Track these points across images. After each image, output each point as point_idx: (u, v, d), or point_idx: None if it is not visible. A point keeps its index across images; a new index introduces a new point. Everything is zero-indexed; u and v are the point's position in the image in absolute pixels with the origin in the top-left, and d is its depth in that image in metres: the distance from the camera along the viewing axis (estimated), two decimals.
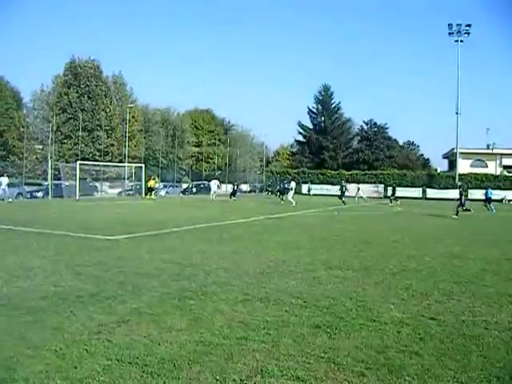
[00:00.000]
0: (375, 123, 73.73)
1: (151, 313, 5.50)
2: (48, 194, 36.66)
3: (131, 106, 53.99)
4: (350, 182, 47.67)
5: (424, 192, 53.93)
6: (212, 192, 38.74)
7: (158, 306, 5.78)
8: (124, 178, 46.88)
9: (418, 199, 50.33)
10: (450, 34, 52.20)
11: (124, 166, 46.54)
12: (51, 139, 46.07)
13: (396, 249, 11.55)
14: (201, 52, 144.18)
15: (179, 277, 7.53)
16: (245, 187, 65.80)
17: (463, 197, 24.79)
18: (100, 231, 13.44)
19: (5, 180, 30.65)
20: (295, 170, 63.17)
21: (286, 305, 6.00)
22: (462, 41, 51.77)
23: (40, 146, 52.48)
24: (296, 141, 78.22)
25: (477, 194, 42.60)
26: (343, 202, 33.25)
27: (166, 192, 48.42)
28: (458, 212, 23.40)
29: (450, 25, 52.14)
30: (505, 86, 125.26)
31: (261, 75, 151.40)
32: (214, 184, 39.51)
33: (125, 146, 50.18)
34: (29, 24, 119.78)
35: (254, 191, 49.59)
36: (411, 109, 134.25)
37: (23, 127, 51.65)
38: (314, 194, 52.87)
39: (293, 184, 33.09)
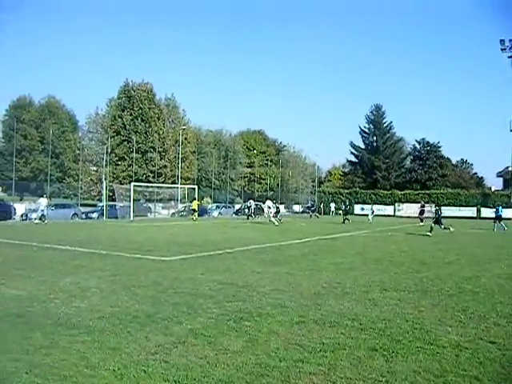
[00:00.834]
0: (428, 142, 72.77)
1: (207, 334, 5.48)
2: (103, 214, 37.31)
3: (184, 127, 55.14)
4: (403, 202, 46.03)
5: (478, 211, 52.17)
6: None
7: (213, 328, 5.76)
8: (177, 199, 47.69)
9: (472, 218, 48.63)
10: (502, 50, 50.75)
11: (177, 187, 47.39)
12: (106, 161, 47.62)
13: (451, 269, 11.21)
14: (253, 74, 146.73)
15: (234, 298, 7.50)
16: (297, 208, 65.34)
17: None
18: (155, 252, 13.66)
19: (44, 201, 30.61)
20: (347, 190, 62.49)
21: (342, 327, 5.88)
22: None
23: (95, 168, 54.03)
24: (348, 161, 77.97)
25: None
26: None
27: (219, 213, 48.50)
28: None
29: (502, 41, 50.69)
30: None
31: (312, 95, 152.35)
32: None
33: (178, 167, 51.15)
34: (84, 49, 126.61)
35: (308, 212, 48.76)
36: (464, 127, 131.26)
37: (79, 149, 53.69)
38: (375, 215, 42.21)
39: (268, 203, 33.14)
